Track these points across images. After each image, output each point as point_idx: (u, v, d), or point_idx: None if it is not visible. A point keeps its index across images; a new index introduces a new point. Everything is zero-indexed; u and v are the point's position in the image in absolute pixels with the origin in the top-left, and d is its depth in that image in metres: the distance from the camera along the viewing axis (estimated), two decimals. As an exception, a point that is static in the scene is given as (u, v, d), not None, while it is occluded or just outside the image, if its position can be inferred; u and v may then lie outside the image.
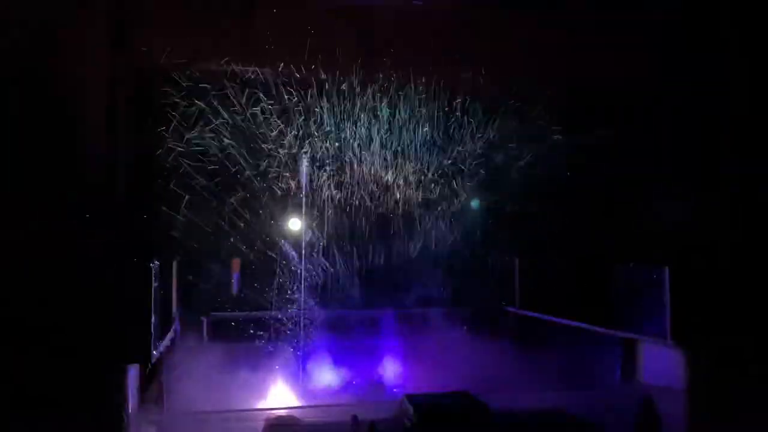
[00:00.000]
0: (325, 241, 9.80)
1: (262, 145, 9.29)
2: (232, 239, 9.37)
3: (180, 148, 8.91)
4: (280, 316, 9.69)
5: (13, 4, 6.38)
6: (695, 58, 8.37)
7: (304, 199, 9.67)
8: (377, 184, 9.96)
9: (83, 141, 6.79)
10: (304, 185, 9.62)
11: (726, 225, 7.86)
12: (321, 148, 9.55)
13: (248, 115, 9.07)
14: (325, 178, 9.75)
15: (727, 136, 8.21)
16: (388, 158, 9.91)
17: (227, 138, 9.07)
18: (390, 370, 8.59)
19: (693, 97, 8.42)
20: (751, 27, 7.93)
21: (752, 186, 7.84)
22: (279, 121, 9.24)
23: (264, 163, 9.37)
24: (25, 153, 6.30)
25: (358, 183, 9.87)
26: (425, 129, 9.78)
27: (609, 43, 8.60)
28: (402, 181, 10.06)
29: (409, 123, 9.72)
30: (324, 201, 9.83)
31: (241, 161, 9.26)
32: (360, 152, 9.75)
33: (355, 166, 9.78)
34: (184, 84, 8.65)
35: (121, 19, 7.18)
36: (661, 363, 6.53)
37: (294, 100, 9.11)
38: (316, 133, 9.42)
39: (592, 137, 9.35)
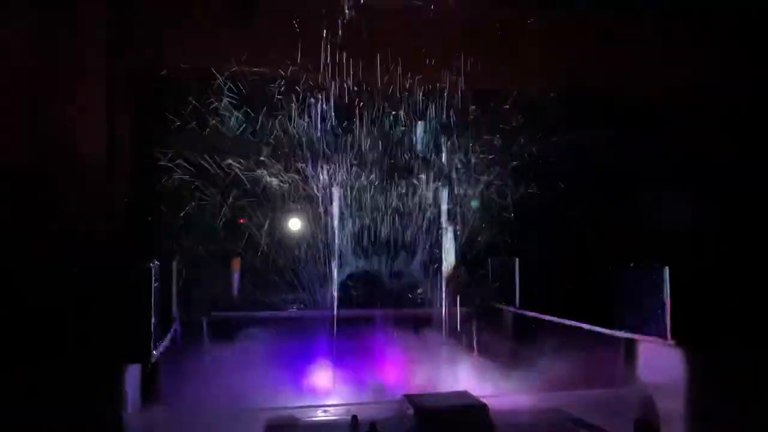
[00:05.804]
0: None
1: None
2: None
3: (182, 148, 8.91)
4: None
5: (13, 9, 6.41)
6: (694, 58, 8.40)
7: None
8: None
9: (83, 142, 6.81)
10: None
11: (726, 225, 7.88)
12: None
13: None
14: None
15: (726, 137, 8.23)
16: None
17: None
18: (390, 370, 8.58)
19: (693, 97, 8.44)
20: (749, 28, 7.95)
21: (751, 186, 7.86)
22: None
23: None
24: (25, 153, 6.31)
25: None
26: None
27: (609, 44, 8.61)
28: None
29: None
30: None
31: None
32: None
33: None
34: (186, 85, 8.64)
35: (120, 22, 7.20)
36: (661, 363, 6.51)
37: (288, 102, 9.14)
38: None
39: (592, 137, 9.36)
